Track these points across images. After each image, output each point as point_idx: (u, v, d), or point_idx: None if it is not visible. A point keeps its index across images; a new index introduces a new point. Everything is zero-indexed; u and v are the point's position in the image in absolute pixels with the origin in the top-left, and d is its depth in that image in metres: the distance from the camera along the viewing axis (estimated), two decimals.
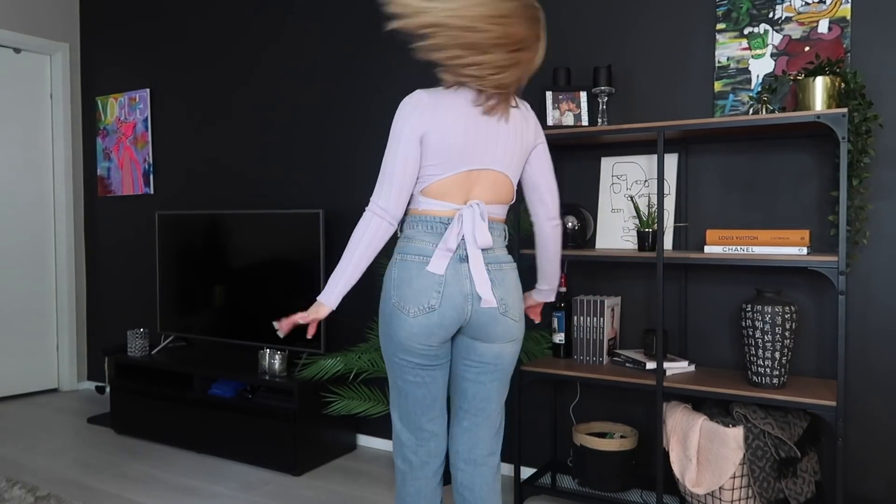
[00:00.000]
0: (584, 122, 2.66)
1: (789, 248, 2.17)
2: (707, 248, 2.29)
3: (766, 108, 2.30)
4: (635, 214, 2.63)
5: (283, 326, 1.77)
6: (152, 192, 4.26)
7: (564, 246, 2.67)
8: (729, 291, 2.56)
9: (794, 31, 2.42)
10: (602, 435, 2.70)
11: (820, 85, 2.14)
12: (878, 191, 2.31)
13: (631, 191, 2.70)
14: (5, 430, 3.70)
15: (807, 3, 2.39)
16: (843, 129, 2.05)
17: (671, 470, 2.57)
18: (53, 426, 3.79)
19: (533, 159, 1.86)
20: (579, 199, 2.85)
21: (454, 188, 1.74)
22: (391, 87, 3.33)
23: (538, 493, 2.66)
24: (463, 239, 1.72)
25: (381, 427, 3.40)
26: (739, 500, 2.21)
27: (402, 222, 1.82)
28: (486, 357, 1.80)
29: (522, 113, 1.81)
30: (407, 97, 1.72)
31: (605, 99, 2.65)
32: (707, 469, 2.25)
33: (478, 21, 1.60)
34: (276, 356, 3.22)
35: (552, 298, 2.08)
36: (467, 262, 1.72)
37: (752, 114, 2.37)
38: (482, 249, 1.74)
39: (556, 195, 1.92)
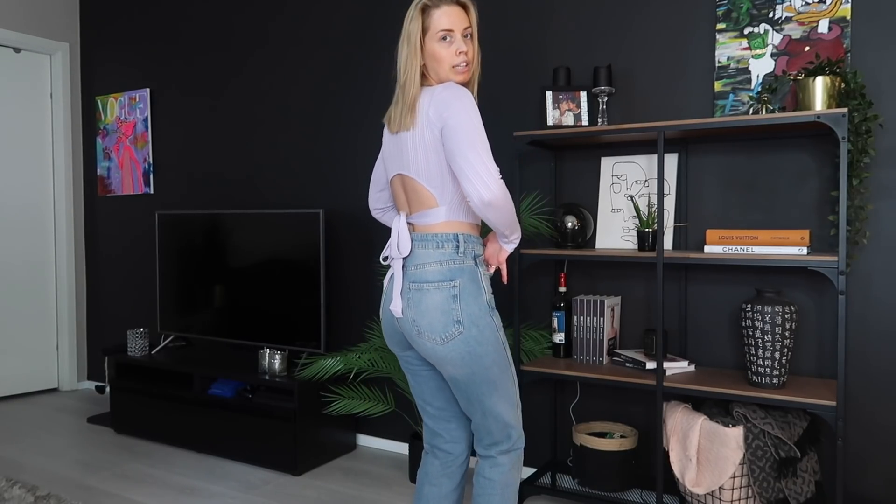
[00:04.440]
0: (584, 121, 2.66)
1: (789, 248, 2.17)
2: (707, 248, 2.29)
3: (766, 108, 2.30)
4: (635, 214, 2.63)
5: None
6: (152, 191, 4.26)
7: (564, 246, 2.67)
8: (729, 291, 2.56)
9: (794, 31, 2.42)
10: (602, 435, 2.70)
11: (820, 85, 2.14)
12: (878, 191, 2.31)
13: (631, 191, 2.70)
14: (5, 430, 3.70)
15: (807, 3, 2.39)
16: (843, 129, 2.05)
17: (671, 470, 2.57)
18: (53, 426, 3.79)
19: (444, 143, 1.66)
20: (579, 199, 2.85)
21: (398, 198, 1.80)
22: (391, 86, 3.33)
23: (538, 493, 2.66)
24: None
25: (381, 427, 3.40)
26: (739, 499, 2.21)
27: None
28: (442, 372, 1.75)
29: (430, 98, 1.67)
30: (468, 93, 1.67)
31: (605, 99, 2.65)
32: (707, 469, 2.25)
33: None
34: (276, 356, 3.22)
35: (509, 250, 1.84)
36: None
37: (752, 114, 2.36)
38: (410, 263, 1.72)
39: (469, 176, 1.59)
